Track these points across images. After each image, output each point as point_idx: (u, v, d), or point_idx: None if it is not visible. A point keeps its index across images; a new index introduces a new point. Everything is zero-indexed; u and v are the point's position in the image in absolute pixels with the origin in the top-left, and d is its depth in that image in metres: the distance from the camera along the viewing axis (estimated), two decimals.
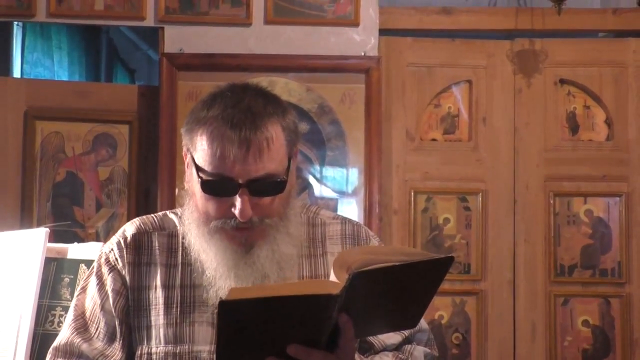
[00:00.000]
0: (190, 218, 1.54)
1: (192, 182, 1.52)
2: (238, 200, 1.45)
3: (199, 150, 1.48)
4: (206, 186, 1.47)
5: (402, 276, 1.36)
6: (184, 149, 1.55)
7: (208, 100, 1.51)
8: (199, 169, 1.47)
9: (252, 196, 1.46)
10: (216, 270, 1.50)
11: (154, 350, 1.54)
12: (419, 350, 1.64)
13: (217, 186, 1.46)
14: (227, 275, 1.50)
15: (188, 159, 1.54)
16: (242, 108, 1.46)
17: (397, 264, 1.33)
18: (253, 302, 1.26)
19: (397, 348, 1.63)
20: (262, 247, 1.50)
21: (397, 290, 1.39)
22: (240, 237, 1.49)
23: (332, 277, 1.35)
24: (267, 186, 1.47)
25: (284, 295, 1.27)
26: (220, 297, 1.26)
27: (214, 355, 1.34)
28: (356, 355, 1.50)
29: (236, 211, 1.45)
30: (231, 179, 1.45)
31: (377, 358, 1.60)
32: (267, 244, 1.50)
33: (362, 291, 1.33)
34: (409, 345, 1.64)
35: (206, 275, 1.52)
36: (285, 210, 1.53)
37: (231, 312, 1.27)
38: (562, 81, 3.71)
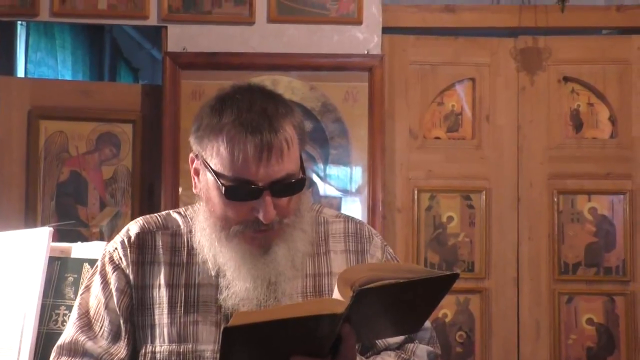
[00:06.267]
0: (204, 223, 1.54)
1: (206, 188, 1.51)
2: (262, 204, 1.45)
3: (216, 157, 1.47)
4: (229, 192, 1.46)
5: (406, 292, 1.36)
6: (192, 155, 1.55)
7: (217, 105, 1.49)
8: (218, 175, 1.47)
9: (274, 197, 1.47)
10: (234, 272, 1.51)
11: (157, 349, 1.54)
12: (422, 349, 1.64)
13: (240, 191, 1.46)
14: (244, 277, 1.50)
15: (198, 166, 1.53)
16: (257, 111, 1.46)
17: (401, 281, 1.33)
18: (258, 327, 1.26)
19: (400, 347, 1.64)
20: (280, 246, 1.51)
21: (400, 303, 1.39)
22: (260, 239, 1.50)
23: (336, 293, 1.35)
24: (288, 186, 1.49)
25: (288, 317, 1.27)
26: (225, 326, 1.26)
27: (218, 355, 1.35)
28: (357, 358, 1.50)
29: (260, 214, 1.46)
30: (253, 182, 1.45)
31: (379, 358, 1.60)
32: (284, 242, 1.51)
33: (366, 306, 1.34)
34: (412, 344, 1.64)
35: (224, 278, 1.52)
36: (300, 207, 1.54)
37: (236, 336, 1.27)
38: (566, 79, 3.70)
